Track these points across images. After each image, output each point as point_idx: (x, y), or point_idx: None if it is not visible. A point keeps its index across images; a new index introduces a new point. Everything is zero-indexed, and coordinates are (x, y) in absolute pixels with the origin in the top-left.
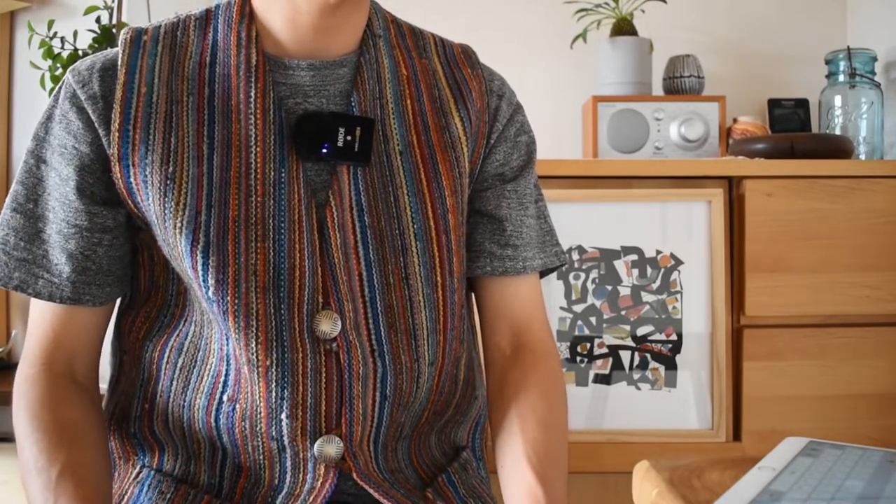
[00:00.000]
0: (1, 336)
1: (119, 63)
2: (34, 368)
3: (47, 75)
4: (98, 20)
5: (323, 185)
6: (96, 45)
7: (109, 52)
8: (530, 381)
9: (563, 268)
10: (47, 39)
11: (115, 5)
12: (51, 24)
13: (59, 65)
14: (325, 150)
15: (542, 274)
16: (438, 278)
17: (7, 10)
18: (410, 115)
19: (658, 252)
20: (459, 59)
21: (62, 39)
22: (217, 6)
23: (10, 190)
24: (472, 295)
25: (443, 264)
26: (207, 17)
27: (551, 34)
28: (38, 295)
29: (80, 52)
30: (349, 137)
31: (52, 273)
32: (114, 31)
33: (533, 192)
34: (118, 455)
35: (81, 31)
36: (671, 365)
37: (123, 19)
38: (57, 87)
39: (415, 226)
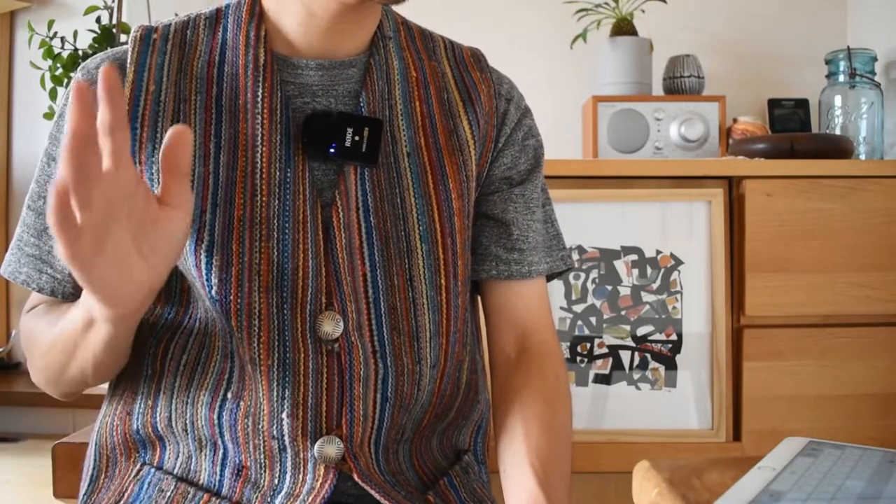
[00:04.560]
0: (1, 336)
1: (128, 61)
2: (35, 308)
3: (47, 75)
4: (98, 20)
5: (329, 185)
6: (96, 46)
7: (119, 49)
8: (535, 386)
9: (570, 273)
10: (47, 39)
11: (115, 5)
12: (51, 24)
13: (59, 65)
14: (332, 150)
15: (549, 278)
16: (443, 281)
17: (7, 10)
18: (419, 117)
19: (658, 252)
20: (469, 63)
21: (62, 39)
22: (227, 6)
23: (30, 187)
24: (478, 298)
25: (447, 267)
26: (217, 17)
27: (551, 34)
28: (41, 290)
29: (80, 53)
30: (357, 138)
31: (56, 269)
32: (114, 31)
33: (540, 196)
34: (119, 451)
35: (81, 31)
36: (671, 365)
37: (123, 19)
38: (69, 85)
39: (420, 228)
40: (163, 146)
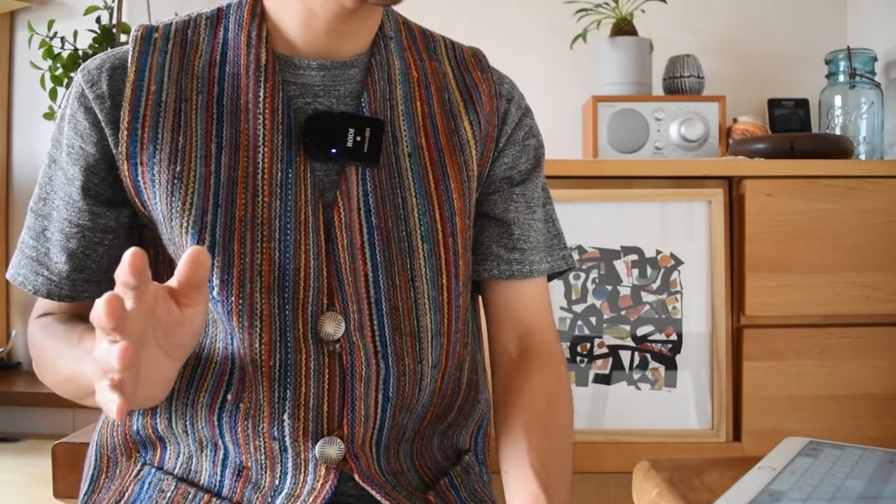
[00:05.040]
0: (1, 336)
1: (129, 60)
2: (44, 316)
3: (47, 75)
4: (98, 20)
5: (331, 186)
6: (96, 45)
7: (119, 49)
8: (536, 385)
9: (570, 273)
10: (47, 39)
11: (115, 5)
12: (51, 24)
13: (59, 65)
14: (334, 151)
15: (550, 277)
16: (444, 281)
17: (7, 10)
18: (420, 118)
19: (658, 252)
20: (469, 63)
21: (62, 39)
22: (228, 5)
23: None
24: (479, 298)
25: (449, 267)
26: (219, 16)
27: (551, 34)
28: (36, 292)
29: (80, 52)
30: (359, 138)
31: (51, 271)
32: (114, 31)
33: (541, 195)
34: (120, 451)
35: (81, 31)
36: (671, 365)
37: (123, 19)
38: (70, 87)
39: (422, 228)
40: (181, 269)
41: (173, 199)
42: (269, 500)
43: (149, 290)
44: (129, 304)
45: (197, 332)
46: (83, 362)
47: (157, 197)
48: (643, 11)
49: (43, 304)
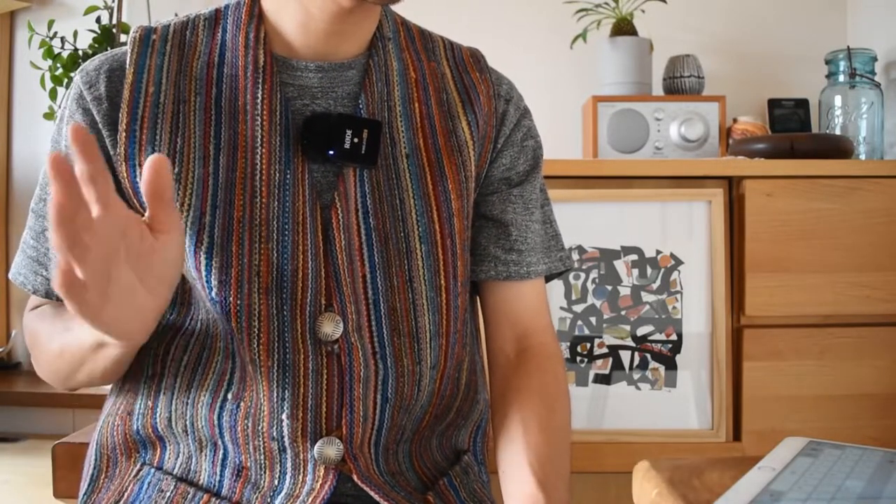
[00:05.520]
0: (1, 336)
1: (127, 62)
2: (39, 308)
3: (47, 75)
4: (98, 20)
5: (329, 187)
6: (96, 45)
7: (118, 51)
8: (533, 386)
9: (570, 273)
10: (47, 39)
11: (115, 5)
12: (51, 24)
13: (59, 65)
14: (332, 152)
15: (548, 278)
16: (442, 282)
17: (7, 10)
18: (418, 118)
19: (658, 252)
20: (468, 63)
21: (62, 39)
22: (226, 6)
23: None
24: (477, 298)
25: (447, 268)
26: (216, 17)
27: (551, 34)
28: (35, 291)
29: (80, 52)
30: (356, 139)
31: (50, 271)
32: (114, 31)
33: (539, 196)
34: (120, 451)
35: (81, 31)
36: (671, 365)
37: (123, 19)
38: (69, 88)
39: (420, 229)
40: (143, 178)
41: None
42: (268, 500)
43: (116, 202)
44: (95, 210)
45: (173, 262)
46: (72, 330)
47: None
48: (643, 11)
49: (37, 297)
